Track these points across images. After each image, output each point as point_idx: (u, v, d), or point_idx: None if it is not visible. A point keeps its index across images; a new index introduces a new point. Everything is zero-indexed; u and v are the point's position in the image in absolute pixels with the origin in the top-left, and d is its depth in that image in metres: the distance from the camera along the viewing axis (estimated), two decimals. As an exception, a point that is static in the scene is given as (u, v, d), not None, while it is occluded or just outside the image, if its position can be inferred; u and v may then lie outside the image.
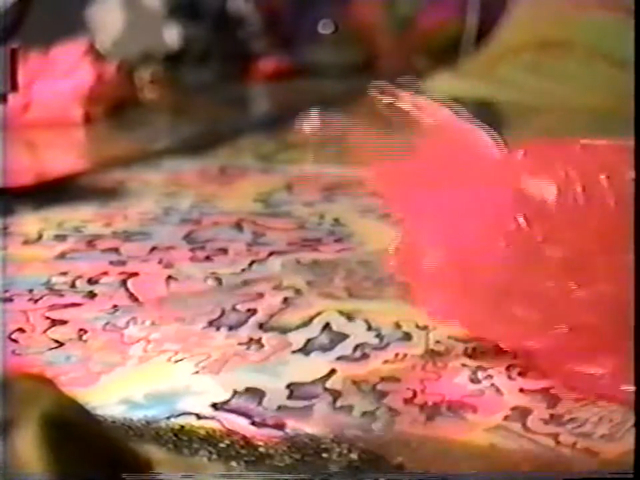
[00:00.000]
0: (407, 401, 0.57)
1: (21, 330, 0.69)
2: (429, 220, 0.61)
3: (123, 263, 0.85)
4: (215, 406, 0.57)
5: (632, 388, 0.53)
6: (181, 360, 0.64)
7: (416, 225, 0.63)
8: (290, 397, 0.58)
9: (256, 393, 0.58)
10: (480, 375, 0.60)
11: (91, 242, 0.92)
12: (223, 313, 0.72)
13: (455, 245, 0.60)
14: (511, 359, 0.61)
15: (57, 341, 0.68)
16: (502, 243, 0.57)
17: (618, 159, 0.56)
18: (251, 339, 0.67)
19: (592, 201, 0.55)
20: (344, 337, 0.67)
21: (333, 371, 0.61)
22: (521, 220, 0.56)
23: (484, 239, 0.58)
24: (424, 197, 0.61)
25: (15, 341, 0.68)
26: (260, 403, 0.57)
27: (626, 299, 0.53)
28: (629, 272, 0.53)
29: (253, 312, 0.72)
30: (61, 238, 0.94)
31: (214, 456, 0.52)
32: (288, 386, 0.59)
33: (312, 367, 0.62)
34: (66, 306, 0.74)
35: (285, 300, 0.74)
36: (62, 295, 0.77)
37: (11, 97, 0.97)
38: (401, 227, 0.65)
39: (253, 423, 0.55)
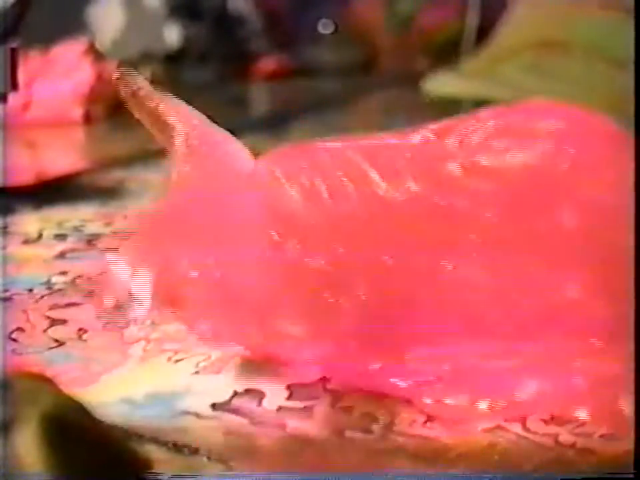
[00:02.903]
0: (406, 401, 0.57)
1: (20, 329, 0.69)
2: (190, 240, 0.58)
3: (123, 263, 0.85)
4: (214, 406, 0.57)
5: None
6: (181, 360, 0.64)
7: (175, 248, 0.58)
8: (290, 397, 0.58)
9: (256, 394, 0.58)
10: (480, 375, 0.60)
11: (91, 241, 0.92)
12: (222, 312, 0.72)
13: (216, 262, 0.57)
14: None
15: (56, 340, 0.68)
16: (258, 258, 0.55)
17: (356, 157, 0.54)
18: (251, 339, 0.67)
19: (339, 206, 0.54)
20: (344, 336, 0.67)
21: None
22: (274, 233, 0.54)
23: (242, 256, 0.56)
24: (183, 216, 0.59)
25: (14, 340, 0.68)
26: (260, 404, 0.57)
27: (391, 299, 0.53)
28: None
29: (252, 312, 0.72)
30: (61, 237, 0.94)
31: (214, 455, 0.51)
32: (288, 386, 0.59)
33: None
34: (66, 305, 0.74)
35: (285, 300, 0.74)
36: (62, 295, 0.77)
37: (11, 97, 0.97)
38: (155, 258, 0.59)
39: (253, 423, 0.55)
